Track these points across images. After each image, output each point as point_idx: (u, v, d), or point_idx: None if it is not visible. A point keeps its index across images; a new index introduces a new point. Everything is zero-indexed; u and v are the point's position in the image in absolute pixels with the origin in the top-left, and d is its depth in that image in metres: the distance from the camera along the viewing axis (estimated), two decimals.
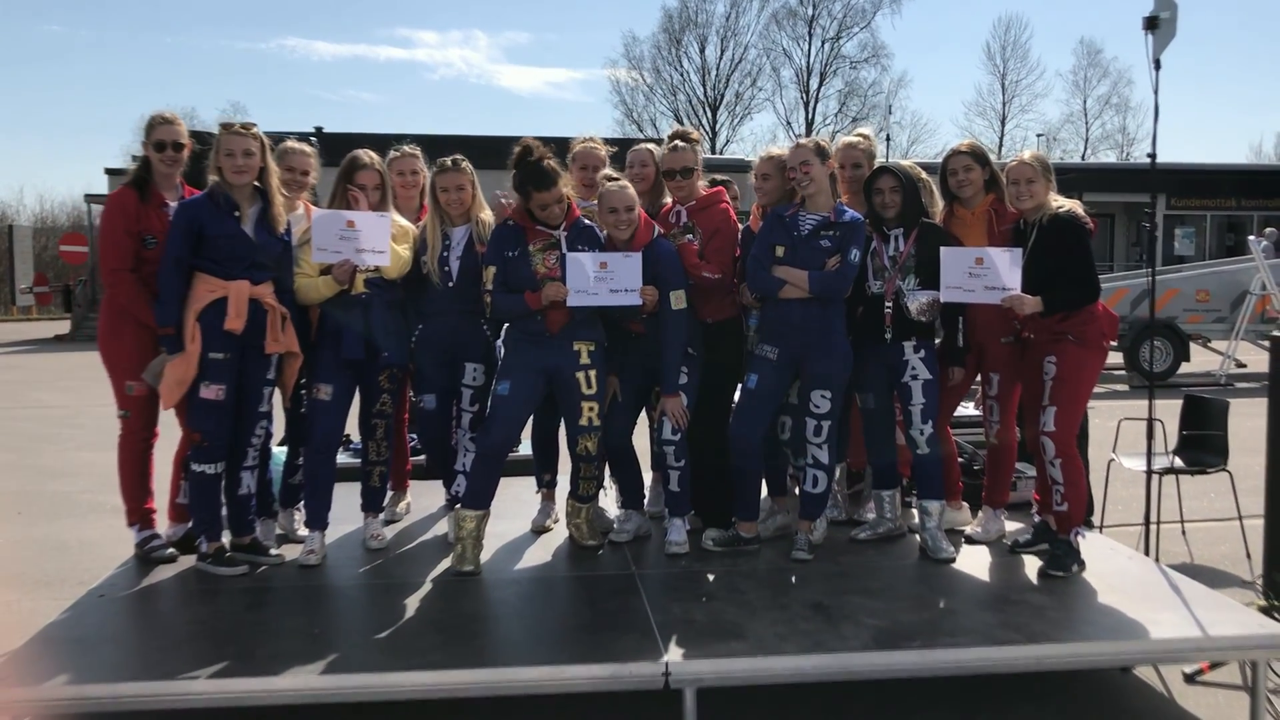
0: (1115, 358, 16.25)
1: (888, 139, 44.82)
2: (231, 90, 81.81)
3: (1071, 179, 30.14)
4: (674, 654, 3.61)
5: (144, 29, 70.91)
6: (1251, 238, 14.66)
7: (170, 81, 72.29)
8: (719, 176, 5.23)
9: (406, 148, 5.33)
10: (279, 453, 5.21)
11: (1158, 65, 4.58)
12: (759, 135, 55.37)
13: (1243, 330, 14.50)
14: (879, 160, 5.10)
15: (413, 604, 4.20)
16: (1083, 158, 47.57)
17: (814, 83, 51.82)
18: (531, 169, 4.52)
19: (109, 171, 34.31)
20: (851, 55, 51.92)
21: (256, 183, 4.52)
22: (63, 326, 29.20)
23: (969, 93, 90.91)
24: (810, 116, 51.91)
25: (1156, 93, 4.71)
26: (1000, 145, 51.34)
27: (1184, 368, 14.77)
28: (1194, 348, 14.98)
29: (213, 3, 72.86)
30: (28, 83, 74.78)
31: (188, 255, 4.39)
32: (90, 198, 34.07)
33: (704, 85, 51.18)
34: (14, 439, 11.11)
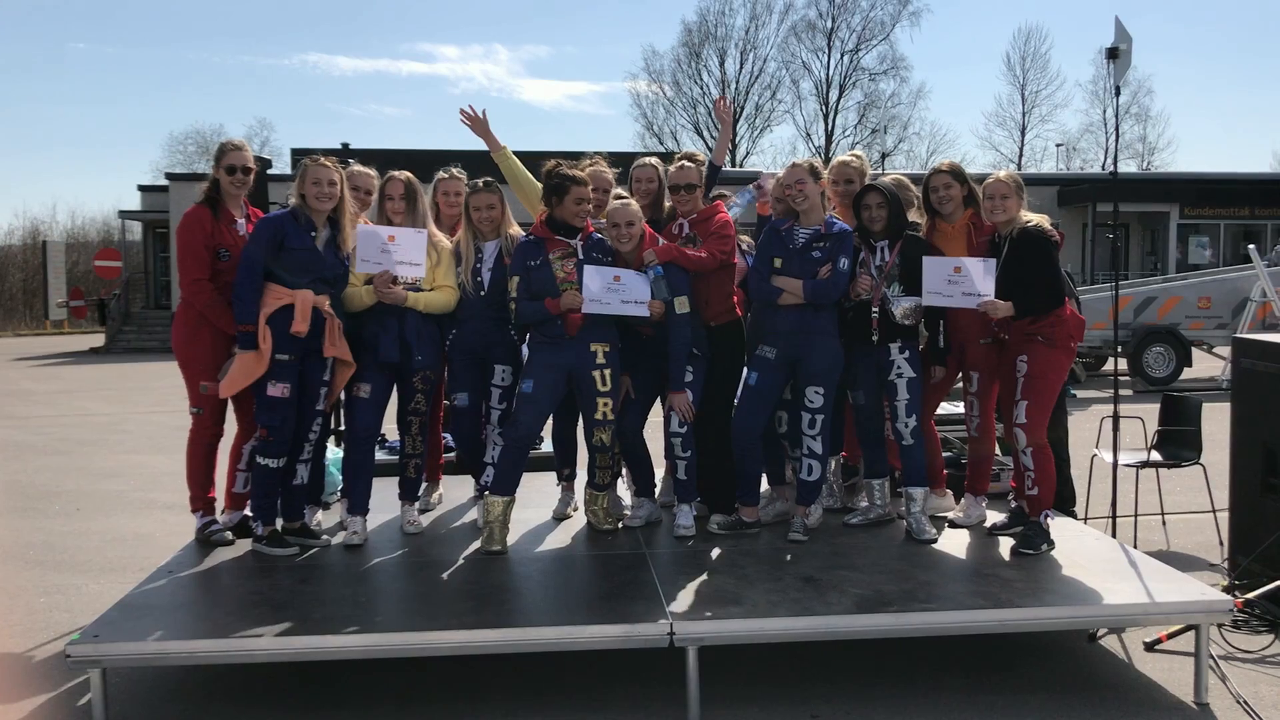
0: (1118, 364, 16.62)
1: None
2: (256, 106, 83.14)
3: (1085, 189, 30.53)
4: (678, 617, 4.06)
5: (168, 46, 72.30)
6: (1251, 246, 14.96)
7: (195, 98, 73.76)
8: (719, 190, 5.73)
9: (455, 170, 5.77)
10: (336, 452, 5.71)
11: (1118, 91, 5.03)
12: (779, 147, 55.82)
13: None
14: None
15: (447, 577, 4.68)
16: (1102, 167, 47.68)
17: (833, 95, 52.35)
18: (561, 175, 5.04)
19: (143, 188, 35.18)
20: (870, 67, 52.51)
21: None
22: (96, 339, 29.81)
23: (989, 103, 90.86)
24: (830, 128, 52.42)
25: (1118, 114, 5.17)
26: (1020, 155, 51.62)
27: (1187, 373, 15.14)
28: (1198, 353, 15.33)
29: (235, 19, 74.07)
30: (56, 100, 76.32)
31: (267, 262, 4.82)
32: (124, 214, 34.88)
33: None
34: (64, 443, 11.66)
